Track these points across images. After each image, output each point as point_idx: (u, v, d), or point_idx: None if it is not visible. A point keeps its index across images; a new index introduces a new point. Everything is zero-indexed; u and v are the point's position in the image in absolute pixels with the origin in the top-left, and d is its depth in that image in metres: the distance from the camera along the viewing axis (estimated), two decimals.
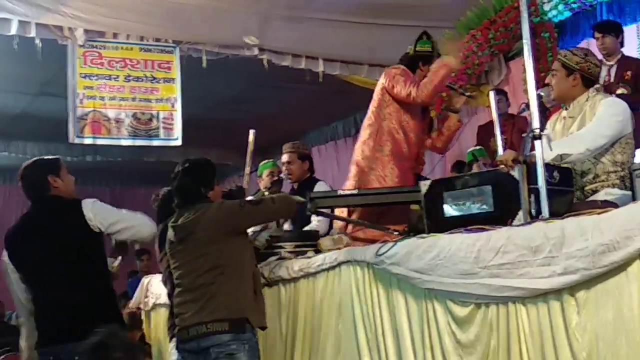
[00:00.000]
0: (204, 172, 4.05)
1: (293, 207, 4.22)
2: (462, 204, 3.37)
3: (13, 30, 6.61)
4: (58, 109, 7.74)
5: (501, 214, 3.19)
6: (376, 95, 4.68)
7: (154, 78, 7.35)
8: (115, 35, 7.21)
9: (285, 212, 4.25)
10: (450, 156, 8.28)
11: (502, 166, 3.30)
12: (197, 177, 3.99)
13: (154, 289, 6.30)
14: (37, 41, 6.74)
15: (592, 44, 6.81)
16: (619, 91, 5.54)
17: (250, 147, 5.24)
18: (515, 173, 3.18)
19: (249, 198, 4.66)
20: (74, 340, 3.62)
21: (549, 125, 3.92)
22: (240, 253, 3.91)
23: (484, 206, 3.28)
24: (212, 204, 3.94)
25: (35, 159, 4.13)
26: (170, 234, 4.00)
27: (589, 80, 3.81)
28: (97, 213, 3.89)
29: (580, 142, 3.56)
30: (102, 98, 7.18)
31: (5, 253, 4.02)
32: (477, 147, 6.99)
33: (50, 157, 4.21)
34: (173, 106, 7.37)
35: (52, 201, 3.94)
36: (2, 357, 6.86)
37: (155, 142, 7.36)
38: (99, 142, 7.31)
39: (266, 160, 6.14)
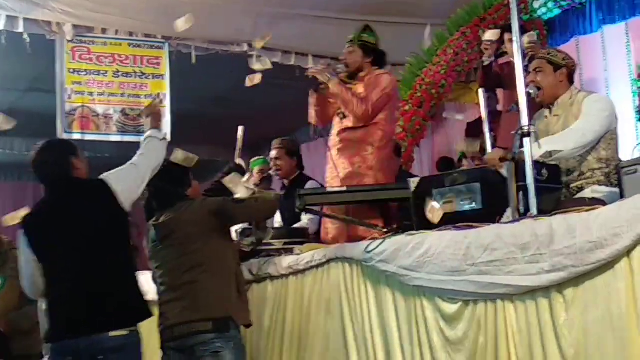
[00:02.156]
0: (176, 172, 3.99)
1: (276, 207, 4.22)
2: (450, 201, 3.37)
3: (1, 25, 6.57)
4: (46, 104, 7.69)
5: (489, 211, 3.19)
6: None
7: (143, 74, 7.33)
8: (104, 31, 7.17)
9: (268, 211, 4.24)
10: (438, 153, 8.30)
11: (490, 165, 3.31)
12: (171, 179, 3.95)
13: (141, 285, 6.27)
14: (26, 36, 6.71)
15: (581, 42, 6.85)
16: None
17: (239, 143, 5.22)
18: (503, 171, 3.18)
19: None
20: (98, 332, 3.39)
21: None
22: (222, 251, 3.89)
23: (473, 203, 3.29)
24: (194, 202, 3.93)
25: (48, 141, 3.79)
26: (152, 233, 3.98)
27: (571, 78, 3.84)
28: (123, 184, 3.56)
29: (571, 139, 3.58)
30: (90, 94, 7.16)
31: (22, 240, 3.62)
32: None
33: (61, 138, 3.84)
34: (162, 102, 7.35)
35: (77, 182, 3.62)
36: None
37: None
38: (88, 137, 7.26)
39: (257, 157, 6.13)
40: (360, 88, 4.69)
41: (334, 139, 4.85)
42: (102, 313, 3.43)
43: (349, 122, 4.71)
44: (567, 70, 3.83)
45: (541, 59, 3.88)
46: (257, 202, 4.08)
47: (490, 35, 5.55)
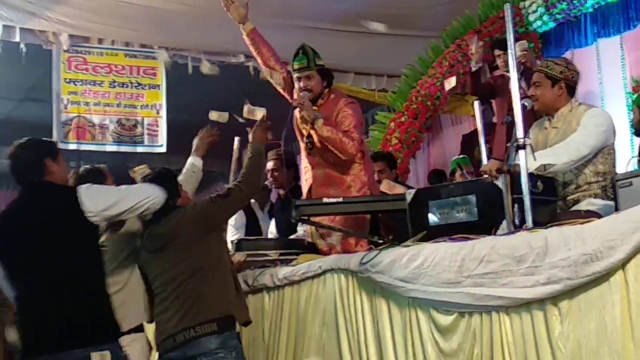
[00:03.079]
0: (166, 186, 4.01)
1: (261, 180, 4.20)
2: (446, 213, 3.38)
3: None
4: (42, 114, 7.70)
5: (485, 223, 3.20)
6: None
7: (139, 84, 7.34)
8: (100, 41, 7.19)
9: (255, 189, 4.20)
10: (434, 164, 8.31)
11: (486, 176, 3.32)
12: None
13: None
14: (22, 46, 6.72)
15: (576, 55, 6.87)
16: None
17: (235, 154, 5.24)
18: (499, 183, 3.20)
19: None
20: (64, 349, 3.29)
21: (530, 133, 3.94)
22: (219, 251, 3.89)
23: (469, 215, 3.29)
24: (186, 208, 3.93)
25: (29, 137, 3.59)
26: (146, 243, 3.97)
27: (572, 89, 3.85)
28: (94, 196, 3.44)
29: (564, 152, 3.58)
30: (86, 103, 7.17)
31: None
32: (461, 156, 7.01)
33: (46, 138, 3.70)
34: (158, 112, 7.36)
35: (46, 186, 3.48)
36: None
37: (140, 149, 7.34)
38: (83, 147, 7.28)
39: None
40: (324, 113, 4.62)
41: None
42: (65, 330, 3.33)
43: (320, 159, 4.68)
44: (566, 83, 3.83)
45: (539, 72, 3.88)
46: (243, 187, 3.98)
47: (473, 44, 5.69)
